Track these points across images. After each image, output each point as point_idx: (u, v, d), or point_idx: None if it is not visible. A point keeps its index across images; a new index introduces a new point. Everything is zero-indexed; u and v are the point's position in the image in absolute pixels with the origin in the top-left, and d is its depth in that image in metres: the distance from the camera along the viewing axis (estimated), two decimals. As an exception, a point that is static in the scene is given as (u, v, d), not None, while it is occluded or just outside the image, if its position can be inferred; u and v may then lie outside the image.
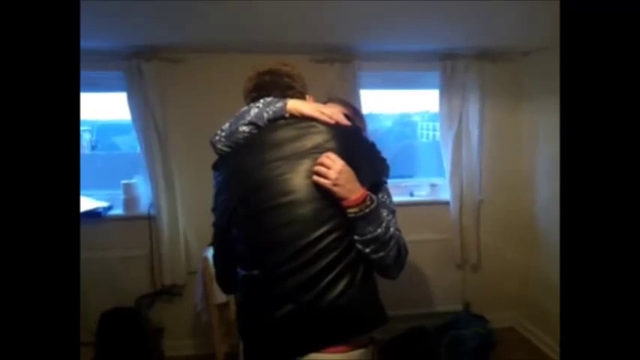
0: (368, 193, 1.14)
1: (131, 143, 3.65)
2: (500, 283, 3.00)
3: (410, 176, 3.04)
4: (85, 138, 3.32)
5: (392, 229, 1.18)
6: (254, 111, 1.22)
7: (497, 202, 2.92)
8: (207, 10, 1.85)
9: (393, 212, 1.23)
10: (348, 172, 1.12)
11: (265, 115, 1.21)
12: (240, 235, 1.20)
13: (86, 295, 2.49)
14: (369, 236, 1.13)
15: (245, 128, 1.21)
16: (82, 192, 2.62)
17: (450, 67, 2.65)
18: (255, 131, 1.21)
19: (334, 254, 1.11)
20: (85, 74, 2.43)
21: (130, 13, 1.86)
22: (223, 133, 1.26)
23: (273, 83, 1.31)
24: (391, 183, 1.28)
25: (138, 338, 2.51)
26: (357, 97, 2.58)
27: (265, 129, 1.21)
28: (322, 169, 1.12)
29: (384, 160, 1.25)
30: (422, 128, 3.69)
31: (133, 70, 2.41)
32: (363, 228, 1.13)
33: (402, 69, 2.77)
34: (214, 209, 1.30)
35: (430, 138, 3.64)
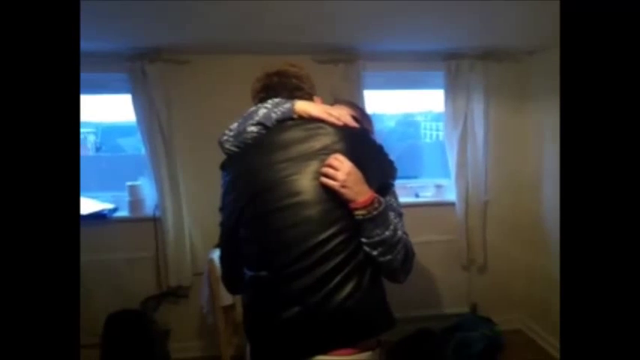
0: (376, 195, 1.14)
1: (135, 145, 3.66)
2: (507, 284, 2.98)
3: (414, 177, 3.02)
4: (90, 140, 3.32)
5: (399, 232, 1.17)
6: (262, 111, 1.22)
7: (503, 202, 2.90)
8: (211, 11, 1.85)
9: (400, 215, 1.23)
10: (356, 174, 1.12)
11: (273, 115, 1.20)
12: (248, 236, 1.20)
13: (92, 296, 2.51)
14: (377, 239, 1.13)
15: (253, 128, 1.21)
16: (87, 194, 2.64)
17: (454, 67, 2.64)
18: (263, 132, 1.21)
19: (341, 256, 1.10)
20: (89, 76, 2.44)
21: (134, 15, 1.86)
22: (231, 133, 1.26)
23: (281, 84, 1.31)
24: (396, 184, 1.27)
25: (144, 340, 2.50)
26: (361, 97, 2.57)
27: (273, 130, 1.21)
28: (330, 171, 1.12)
29: (391, 162, 1.25)
30: (425, 128, 3.68)
31: (137, 71, 2.41)
32: (371, 230, 1.13)
33: (406, 69, 2.76)
34: (222, 209, 1.30)
35: (433, 138, 3.63)
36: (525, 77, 2.79)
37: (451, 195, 2.85)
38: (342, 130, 1.19)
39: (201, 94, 2.59)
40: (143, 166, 2.66)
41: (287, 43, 2.36)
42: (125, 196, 2.66)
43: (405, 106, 3.42)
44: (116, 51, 2.40)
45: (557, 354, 2.66)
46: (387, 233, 1.13)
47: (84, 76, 2.21)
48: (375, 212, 1.12)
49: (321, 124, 1.19)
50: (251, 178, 1.19)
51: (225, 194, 1.28)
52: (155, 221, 2.61)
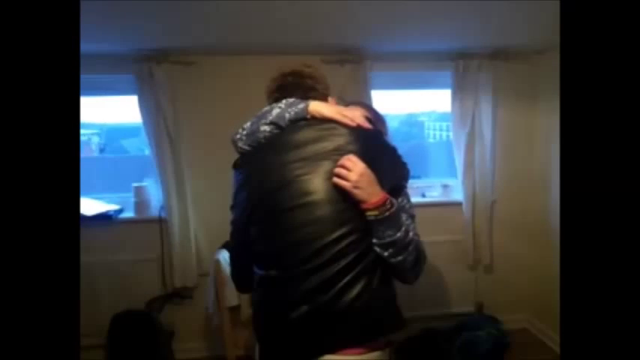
0: (388, 196, 1.14)
1: (139, 146, 3.66)
2: (513, 284, 2.98)
3: (419, 177, 3.02)
4: (94, 141, 3.33)
5: (411, 234, 1.17)
6: (276, 111, 1.23)
7: (510, 202, 2.89)
8: (218, 13, 1.84)
9: (412, 217, 1.23)
10: (369, 175, 1.12)
11: (287, 115, 1.21)
12: (259, 234, 1.20)
13: (97, 297, 2.51)
14: (388, 240, 1.13)
15: (266, 128, 1.22)
16: (92, 195, 2.64)
17: (462, 67, 2.63)
18: (276, 131, 1.22)
19: (352, 256, 1.11)
20: (95, 77, 2.44)
21: (141, 16, 1.86)
22: (244, 132, 1.26)
23: (295, 84, 1.31)
24: (403, 184, 1.27)
25: (148, 341, 2.50)
26: (368, 97, 2.56)
27: (287, 130, 1.21)
28: (343, 172, 1.12)
29: (404, 164, 1.25)
30: (429, 128, 3.68)
31: (144, 73, 2.40)
32: (382, 231, 1.13)
33: (413, 69, 2.74)
34: (233, 207, 1.31)
35: (437, 138, 3.62)
36: (534, 77, 2.77)
37: (458, 195, 2.84)
38: (356, 131, 1.19)
39: (207, 95, 2.58)
40: (147, 167, 2.66)
41: (294, 43, 2.35)
42: (131, 197, 2.66)
43: (408, 107, 3.41)
44: (123, 53, 2.39)
45: (562, 354, 2.66)
46: (399, 234, 1.14)
47: (90, 78, 2.23)
48: (387, 213, 1.12)
49: (334, 125, 1.19)
50: (263, 177, 1.20)
51: (236, 192, 1.29)
52: (161, 222, 2.61)
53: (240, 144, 1.27)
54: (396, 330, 1.18)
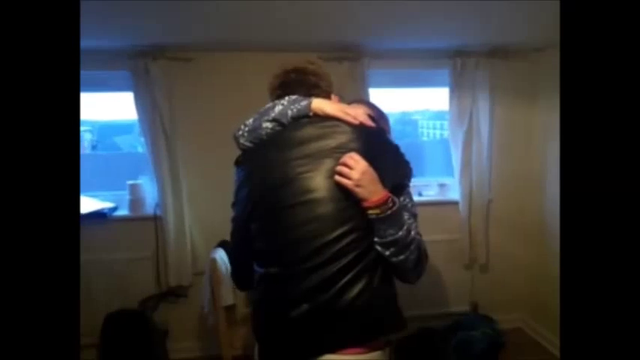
0: (390, 195, 1.13)
1: (132, 143, 3.62)
2: (508, 283, 2.98)
3: (414, 175, 3.01)
4: (86, 138, 3.29)
5: (413, 233, 1.17)
6: (278, 108, 1.22)
7: (506, 201, 2.90)
8: (215, 9, 1.82)
9: (414, 216, 1.22)
10: (371, 174, 1.12)
11: (289, 112, 1.20)
12: (259, 231, 1.20)
13: (91, 296, 2.47)
14: (390, 239, 1.12)
15: (268, 124, 1.21)
16: (85, 193, 2.60)
17: (460, 65, 2.62)
18: (278, 128, 1.21)
19: (353, 255, 1.10)
20: (90, 74, 2.40)
21: (136, 11, 1.83)
22: (247, 128, 1.26)
23: (298, 81, 1.30)
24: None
25: (142, 340, 2.47)
26: (366, 95, 2.55)
27: (289, 127, 1.20)
28: (345, 170, 1.11)
29: (407, 162, 1.24)
30: (422, 127, 3.68)
31: (139, 69, 2.37)
32: (384, 230, 1.12)
33: (411, 67, 2.73)
34: (234, 204, 1.30)
35: (431, 137, 3.63)
36: (532, 75, 2.76)
37: (454, 194, 2.84)
38: (359, 129, 1.18)
39: (204, 92, 2.56)
40: (140, 164, 2.63)
41: (293, 40, 2.34)
42: (125, 195, 2.63)
43: (402, 105, 3.40)
44: (118, 48, 2.35)
45: (558, 353, 2.67)
46: (400, 233, 1.13)
47: (84, 74, 2.18)
48: (388, 212, 1.12)
49: (337, 123, 1.18)
50: (265, 174, 1.19)
51: (238, 189, 1.28)
52: (156, 220, 2.58)
53: (241, 140, 1.26)
54: (397, 330, 1.18)
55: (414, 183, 2.88)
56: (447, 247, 2.85)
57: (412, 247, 1.15)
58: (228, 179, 2.59)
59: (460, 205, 2.80)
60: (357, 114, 1.20)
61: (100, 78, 2.49)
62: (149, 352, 2.47)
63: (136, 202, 2.60)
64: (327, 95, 1.32)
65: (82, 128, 3.16)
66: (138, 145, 3.50)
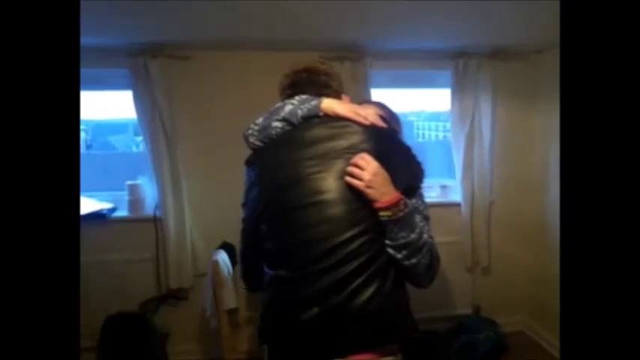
0: (402, 197, 1.11)
1: (127, 142, 3.59)
2: (510, 286, 2.97)
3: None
4: (81, 137, 3.26)
5: (425, 236, 1.15)
6: (288, 107, 1.21)
7: (508, 203, 2.88)
8: (216, 7, 1.80)
9: (426, 218, 1.20)
10: (382, 175, 1.10)
11: (299, 112, 1.19)
12: (269, 232, 1.18)
13: (89, 298, 2.44)
14: (402, 241, 1.11)
15: (278, 124, 1.20)
16: (84, 193, 2.57)
17: (462, 66, 2.60)
18: (288, 128, 1.20)
19: (364, 257, 1.08)
20: (88, 71, 2.36)
21: (136, 9, 1.81)
22: (256, 127, 1.25)
23: (309, 81, 1.29)
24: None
25: (142, 343, 2.44)
26: (367, 96, 2.52)
27: (299, 127, 1.19)
28: (356, 171, 1.10)
29: (419, 164, 1.22)
30: (417, 128, 3.67)
31: (139, 67, 2.33)
32: (396, 233, 1.11)
33: (413, 67, 2.71)
34: (244, 205, 1.29)
35: (426, 137, 3.62)
36: (533, 76, 2.75)
37: (456, 196, 2.82)
38: (370, 129, 1.17)
39: (205, 91, 2.52)
40: (137, 164, 2.60)
41: (293, 39, 2.31)
42: (124, 196, 2.59)
43: (397, 106, 3.39)
44: (117, 46, 2.32)
45: (559, 356, 2.66)
46: (413, 236, 1.12)
47: (82, 72, 2.14)
48: (400, 214, 1.10)
49: (348, 123, 1.17)
50: (275, 175, 1.18)
51: (248, 190, 1.26)
52: (156, 221, 2.54)
53: (251, 139, 1.25)
54: (409, 335, 1.16)
55: (417, 184, 2.88)
56: (448, 249, 2.82)
57: (424, 250, 1.14)
58: (229, 179, 2.57)
59: (462, 207, 2.78)
60: (367, 114, 1.18)
61: (98, 76, 2.45)
62: (149, 356, 2.44)
63: (135, 202, 2.56)
64: (337, 95, 1.31)
65: (77, 127, 3.13)
66: (133, 144, 3.48)
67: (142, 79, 2.36)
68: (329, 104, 1.18)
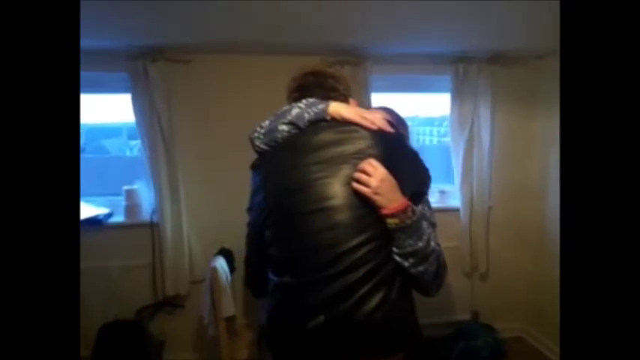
0: (410, 204, 1.10)
1: (120, 146, 3.56)
2: (509, 291, 2.96)
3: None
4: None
5: (432, 243, 1.14)
6: (295, 111, 1.19)
7: (506, 209, 2.87)
8: (216, 10, 1.78)
9: (433, 225, 1.19)
10: (390, 181, 1.08)
11: (306, 116, 1.17)
12: (274, 238, 1.16)
13: (84, 305, 2.38)
14: (409, 249, 1.09)
15: (284, 127, 1.18)
16: (80, 198, 2.52)
17: (461, 71, 2.60)
18: (294, 131, 1.18)
19: (371, 265, 1.07)
20: (86, 75, 2.33)
21: (136, 11, 1.79)
22: (262, 130, 1.23)
23: (317, 84, 1.28)
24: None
25: (138, 351, 2.41)
26: (368, 100, 2.51)
27: (306, 131, 1.17)
28: (363, 177, 1.08)
29: (426, 169, 1.21)
30: (411, 133, 3.67)
31: (138, 71, 2.31)
32: (403, 240, 1.09)
33: (413, 72, 2.71)
34: (250, 210, 1.27)
35: (421, 142, 3.62)
36: (533, 82, 2.76)
37: (454, 201, 2.81)
38: (377, 134, 1.15)
39: (204, 94, 2.50)
40: (132, 168, 2.56)
41: (293, 43, 2.30)
42: (119, 200, 2.56)
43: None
44: (116, 49, 2.29)
45: (559, 361, 2.66)
46: (420, 244, 1.10)
47: (81, 75, 2.11)
48: (408, 221, 1.09)
49: (355, 128, 1.15)
50: (281, 179, 1.16)
51: (254, 194, 1.24)
52: (152, 227, 2.50)
53: (257, 142, 1.23)
54: (415, 343, 1.15)
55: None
56: (447, 254, 2.76)
57: (431, 258, 1.13)
58: (228, 184, 2.55)
59: (461, 212, 2.77)
60: (375, 119, 1.16)
61: (96, 79, 2.41)
62: (145, 364, 2.40)
63: (132, 207, 2.52)
64: (345, 99, 1.29)
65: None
66: (127, 148, 3.45)
67: (141, 83, 2.33)
68: (336, 108, 1.17)
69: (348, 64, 2.50)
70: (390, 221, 1.08)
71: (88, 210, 2.47)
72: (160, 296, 2.56)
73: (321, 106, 1.17)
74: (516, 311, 2.98)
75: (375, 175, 1.06)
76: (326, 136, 1.15)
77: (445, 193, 2.87)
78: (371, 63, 2.50)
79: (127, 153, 3.45)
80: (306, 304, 1.08)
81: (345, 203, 1.08)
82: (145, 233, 2.51)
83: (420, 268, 1.10)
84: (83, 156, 3.21)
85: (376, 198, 1.06)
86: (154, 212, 2.49)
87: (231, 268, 2.33)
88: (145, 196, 2.54)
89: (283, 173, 1.16)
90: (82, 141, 3.29)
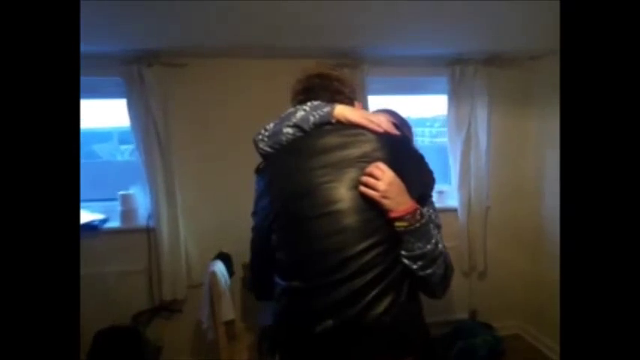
0: (418, 207, 1.10)
1: (111, 151, 3.51)
2: (506, 290, 2.98)
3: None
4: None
5: (440, 246, 1.13)
6: (300, 114, 1.18)
7: (503, 209, 2.90)
8: (212, 13, 1.76)
9: (438, 227, 1.18)
10: (398, 184, 1.08)
11: (311, 118, 1.16)
12: (281, 242, 1.15)
13: (81, 311, 2.34)
14: (418, 252, 1.09)
15: (289, 130, 1.17)
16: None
17: (458, 73, 2.61)
18: (299, 134, 1.17)
19: (379, 269, 1.06)
20: (82, 80, 2.29)
21: (130, 15, 1.76)
22: (267, 133, 1.21)
23: (322, 86, 1.26)
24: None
25: (135, 357, 2.37)
26: (365, 103, 2.51)
27: (311, 134, 1.16)
28: (371, 180, 1.07)
29: (431, 172, 1.21)
30: None
31: (133, 75, 2.28)
32: (412, 243, 1.09)
33: (410, 74, 2.72)
34: (254, 214, 1.25)
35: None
36: (528, 83, 2.78)
37: (452, 201, 2.82)
38: (383, 137, 1.14)
39: (200, 98, 2.48)
40: (126, 173, 2.53)
41: (291, 46, 2.29)
42: (114, 205, 2.52)
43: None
44: (111, 54, 2.26)
45: (556, 358, 2.67)
46: (429, 247, 1.10)
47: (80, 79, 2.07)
48: (417, 224, 1.08)
49: (361, 131, 1.14)
50: (286, 183, 1.14)
51: (258, 198, 1.22)
52: (149, 232, 2.48)
53: (261, 145, 1.21)
54: (424, 346, 1.14)
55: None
56: (446, 254, 2.82)
57: (439, 260, 1.12)
58: (225, 188, 2.53)
59: (459, 212, 2.78)
60: (380, 121, 1.15)
61: (91, 84, 2.37)
62: (141, 370, 2.37)
63: (127, 213, 2.49)
64: (350, 102, 1.28)
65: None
66: (117, 153, 3.41)
67: (136, 88, 2.30)
68: (341, 111, 1.16)
69: (346, 67, 2.49)
70: (399, 224, 1.07)
71: (83, 216, 2.44)
72: (156, 301, 2.54)
73: (326, 109, 1.16)
74: (514, 310, 3.01)
75: (383, 179, 1.06)
76: (331, 139, 1.13)
77: (443, 193, 2.88)
78: (368, 65, 2.50)
79: (119, 158, 3.40)
80: (314, 308, 1.06)
81: (352, 207, 1.07)
82: (141, 238, 2.48)
83: (429, 271, 1.10)
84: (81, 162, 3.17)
85: (385, 201, 1.06)
86: (150, 217, 2.47)
87: (230, 272, 2.31)
88: (141, 200, 2.52)
89: (288, 177, 1.15)
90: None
